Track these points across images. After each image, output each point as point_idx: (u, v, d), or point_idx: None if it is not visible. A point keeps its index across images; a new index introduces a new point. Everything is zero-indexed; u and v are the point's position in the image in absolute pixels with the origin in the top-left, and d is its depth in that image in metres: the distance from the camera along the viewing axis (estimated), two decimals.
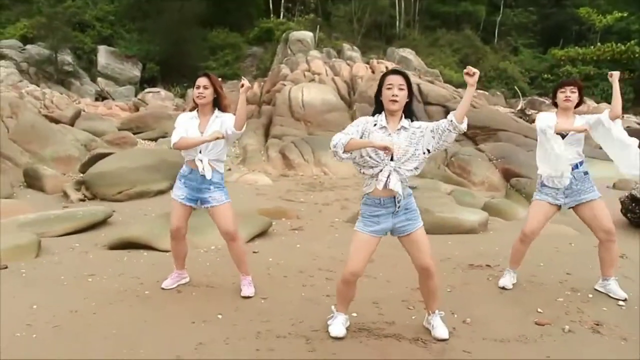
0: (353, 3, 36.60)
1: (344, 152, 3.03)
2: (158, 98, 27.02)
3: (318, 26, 29.97)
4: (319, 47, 25.06)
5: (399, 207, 3.19)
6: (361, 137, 3.13)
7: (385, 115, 3.20)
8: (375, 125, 3.18)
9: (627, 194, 6.68)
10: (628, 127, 17.79)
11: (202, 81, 3.98)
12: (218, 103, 4.07)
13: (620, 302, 4.09)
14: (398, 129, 3.15)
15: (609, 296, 4.18)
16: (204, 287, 4.33)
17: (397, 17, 39.92)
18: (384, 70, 19.14)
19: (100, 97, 30.42)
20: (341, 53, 24.57)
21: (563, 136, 4.14)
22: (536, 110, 27.48)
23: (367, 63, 20.99)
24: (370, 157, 3.12)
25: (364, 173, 3.23)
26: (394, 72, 3.21)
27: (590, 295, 4.24)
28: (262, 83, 22.05)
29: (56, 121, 16.42)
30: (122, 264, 4.95)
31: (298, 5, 38.77)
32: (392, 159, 3.10)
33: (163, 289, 4.21)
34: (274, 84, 19.30)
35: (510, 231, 6.50)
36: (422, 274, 3.34)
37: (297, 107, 16.10)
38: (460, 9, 40.92)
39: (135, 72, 33.46)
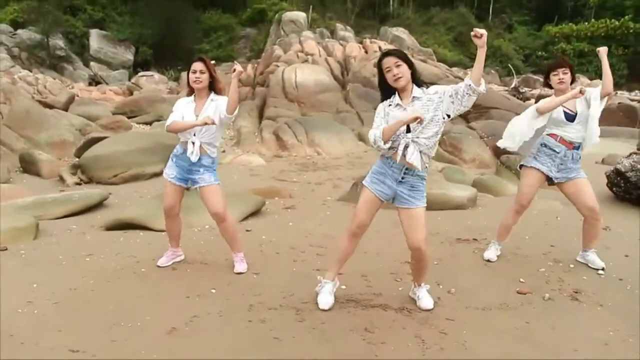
0: None
1: (385, 142, 3.20)
2: (152, 82, 26.98)
3: (311, 6, 29.79)
4: (312, 28, 24.97)
5: (403, 178, 3.30)
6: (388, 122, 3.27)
7: (398, 94, 3.31)
8: (390, 105, 3.32)
9: (612, 169, 6.81)
10: (620, 103, 17.88)
11: (197, 66, 4.07)
12: (213, 87, 4.17)
13: (600, 272, 4.25)
14: (411, 101, 3.24)
15: (589, 266, 4.34)
16: (198, 264, 4.47)
17: None
18: (377, 50, 19.20)
19: (94, 81, 30.35)
20: (334, 33, 24.51)
21: (573, 118, 4.21)
22: (530, 88, 27.55)
23: (361, 43, 20.97)
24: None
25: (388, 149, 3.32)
26: (385, 54, 3.31)
27: (572, 266, 4.41)
28: (256, 65, 22.04)
29: (50, 106, 16.39)
30: (118, 244, 5.07)
31: None
32: (408, 131, 3.20)
33: (159, 266, 4.34)
34: (267, 66, 19.29)
35: (498, 207, 6.64)
36: (414, 253, 3.47)
37: (290, 88, 16.13)
38: None
39: (129, 55, 33.35)
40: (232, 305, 3.61)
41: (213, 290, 3.86)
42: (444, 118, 3.22)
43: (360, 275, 4.12)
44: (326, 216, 6.19)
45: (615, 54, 34.17)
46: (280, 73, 17.04)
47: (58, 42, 30.57)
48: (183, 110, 4.16)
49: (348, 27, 26.05)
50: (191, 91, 4.21)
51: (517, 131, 4.33)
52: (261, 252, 4.80)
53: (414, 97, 3.26)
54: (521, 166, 4.52)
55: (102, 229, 5.71)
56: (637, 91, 32.85)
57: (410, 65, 3.28)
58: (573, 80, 4.31)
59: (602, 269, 4.27)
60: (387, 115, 3.30)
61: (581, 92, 4.10)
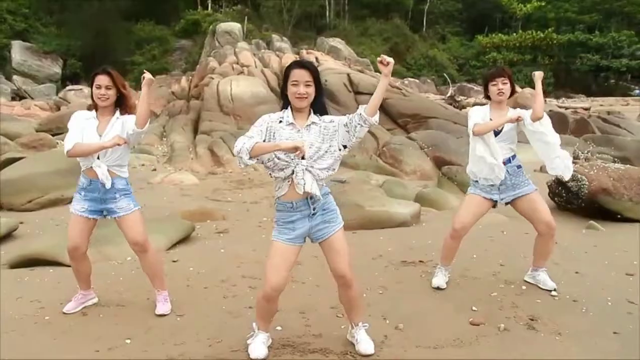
0: None
1: (250, 158, 2.71)
2: (81, 96, 25.55)
3: (246, 17, 29.33)
4: (247, 39, 24.47)
5: (314, 210, 2.91)
6: (266, 138, 2.83)
7: (292, 111, 2.89)
8: (281, 122, 2.88)
9: (553, 178, 6.72)
10: (550, 110, 18.41)
11: (102, 80, 3.52)
12: (122, 103, 3.64)
13: (553, 293, 4.01)
14: (308, 125, 2.86)
15: (540, 287, 4.10)
16: (114, 306, 3.90)
17: (327, 7, 39.88)
18: (314, 61, 18.96)
19: (18, 96, 28.54)
20: (270, 44, 24.11)
21: (497, 133, 3.95)
22: (465, 96, 28.17)
23: (297, 54, 20.69)
24: (279, 158, 2.80)
25: (275, 177, 2.91)
26: (299, 65, 2.87)
27: (524, 287, 4.15)
28: (191, 77, 21.32)
29: None
30: (21, 285, 4.41)
31: None
32: (303, 158, 2.80)
33: (65, 313, 3.75)
34: (201, 78, 18.67)
35: (442, 221, 6.39)
36: (340, 282, 3.06)
37: (225, 101, 15.60)
38: None
39: (56, 68, 31.71)
40: (150, 358, 3.08)
41: (128, 341, 3.31)
42: (339, 149, 2.87)
43: (298, 312, 3.68)
44: (261, 240, 5.70)
45: (542, 63, 35.62)
46: (215, 85, 16.48)
47: None
48: (83, 127, 3.60)
49: (284, 38, 25.72)
50: (93, 105, 3.67)
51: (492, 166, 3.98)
52: (188, 287, 4.27)
53: (312, 122, 2.88)
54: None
55: (5, 267, 5.01)
56: (564, 98, 34.34)
57: (319, 89, 2.89)
58: (513, 92, 4.03)
59: (554, 290, 4.03)
60: (271, 131, 2.86)
61: (518, 119, 3.89)
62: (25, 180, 7.82)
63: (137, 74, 31.69)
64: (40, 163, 8.55)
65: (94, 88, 3.56)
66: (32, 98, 27.50)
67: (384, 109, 14.36)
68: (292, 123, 2.85)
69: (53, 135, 15.99)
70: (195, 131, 14.86)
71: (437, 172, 9.48)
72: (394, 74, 31.31)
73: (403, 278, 4.41)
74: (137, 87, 23.42)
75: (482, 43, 39.73)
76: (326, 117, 2.91)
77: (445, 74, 34.06)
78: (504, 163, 3.95)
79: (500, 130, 3.95)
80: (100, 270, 4.47)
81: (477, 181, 4.07)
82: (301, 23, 38.20)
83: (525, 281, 4.23)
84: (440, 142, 10.56)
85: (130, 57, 32.90)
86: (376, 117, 2.80)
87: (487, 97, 4.08)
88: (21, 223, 6.59)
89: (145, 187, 8.94)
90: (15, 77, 29.73)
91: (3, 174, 8.24)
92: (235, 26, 24.98)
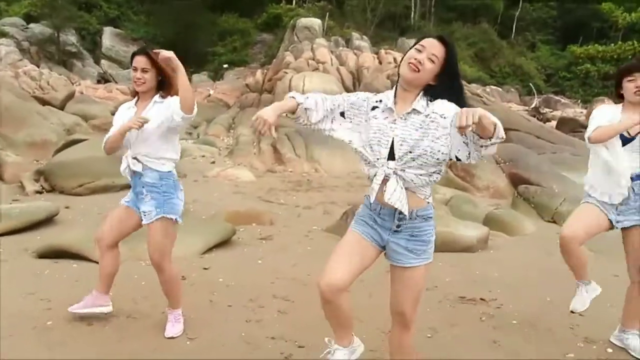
0: None
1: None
2: None
3: (327, 13, 28.93)
4: (327, 35, 24.03)
5: (399, 227, 2.27)
6: (346, 117, 2.33)
7: (396, 90, 2.25)
8: (375, 108, 2.26)
9: None
10: None
11: (139, 61, 3.06)
12: (164, 86, 3.16)
13: None
14: (407, 112, 2.18)
15: (630, 353, 3.28)
16: (123, 317, 3.48)
17: (412, 8, 38.84)
18: (392, 61, 18.19)
19: (103, 79, 29.67)
20: (350, 42, 23.54)
21: (626, 140, 3.06)
22: (551, 109, 26.39)
23: (376, 53, 20.01)
24: (367, 149, 2.23)
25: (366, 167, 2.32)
26: (440, 37, 2.20)
27: (610, 350, 3.34)
28: (266, 71, 21.18)
29: (47, 103, 15.64)
30: (38, 279, 4.11)
31: None
32: (392, 157, 2.18)
33: (71, 312, 3.34)
34: (276, 72, 18.44)
35: (514, 250, 5.60)
36: (396, 320, 2.40)
37: None
38: (478, 2, 39.84)
39: None
40: None
41: None
42: (450, 159, 2.15)
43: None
44: (305, 253, 5.17)
45: None
46: (288, 80, 16.17)
47: (70, 37, 29.99)
48: (123, 119, 3.19)
49: (364, 37, 25.02)
50: (136, 93, 3.25)
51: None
52: (210, 304, 3.79)
53: (414, 109, 2.19)
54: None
55: (33, 256, 4.76)
56: None
57: (449, 74, 2.20)
58: None
59: None
60: (368, 117, 2.27)
61: None
62: (79, 163, 7.70)
63: (216, 65, 32.21)
64: (99, 147, 8.43)
65: (132, 71, 3.14)
66: (116, 82, 28.48)
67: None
68: (389, 108, 2.22)
69: None
70: None
71: (513, 190, 8.55)
72: (477, 80, 29.98)
73: (459, 319, 3.71)
74: (216, 77, 23.68)
75: (576, 53, 37.11)
76: (439, 106, 2.16)
77: (531, 84, 32.15)
78: (631, 179, 3.10)
79: (632, 138, 3.05)
80: (125, 270, 4.05)
81: (590, 196, 3.22)
82: (384, 23, 37.36)
83: (611, 342, 3.42)
84: (520, 157, 9.56)
85: (212, 47, 33.45)
86: (500, 132, 1.91)
87: (620, 96, 3.17)
88: (66, 208, 6.45)
89: (200, 180, 8.64)
90: (103, 61, 30.90)
91: (60, 155, 8.21)
92: (315, 22, 24.61)
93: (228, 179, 8.74)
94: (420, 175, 2.17)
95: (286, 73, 17.27)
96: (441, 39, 2.18)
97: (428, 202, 2.26)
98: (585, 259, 3.31)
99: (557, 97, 30.52)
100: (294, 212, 6.98)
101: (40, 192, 7.44)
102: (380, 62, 17.98)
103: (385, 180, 2.18)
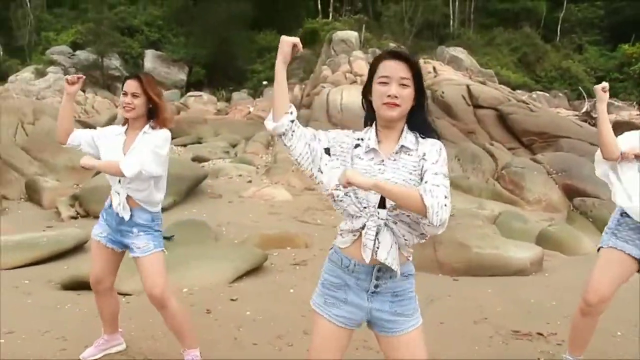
0: (404, 2, 35.11)
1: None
2: (200, 102, 26.54)
3: (364, 25, 28.64)
4: (364, 48, 23.74)
5: (376, 288, 1.93)
6: (332, 154, 1.94)
7: (377, 129, 1.93)
8: (358, 146, 1.92)
9: None
10: None
11: (130, 86, 2.85)
12: (154, 115, 2.94)
13: None
14: (395, 152, 1.88)
15: None
16: (140, 358, 3.20)
17: (451, 16, 38.18)
18: (431, 71, 17.73)
19: None
20: None
21: None
22: None
23: None
24: (350, 196, 1.87)
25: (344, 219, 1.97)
26: (393, 54, 1.90)
27: None
28: (304, 86, 21.07)
29: (89, 126, 15.89)
30: (57, 314, 3.90)
31: (346, 5, 37.71)
32: (383, 206, 1.83)
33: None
34: (314, 87, 18.29)
35: (572, 273, 5.07)
36: None
37: (334, 111, 15.00)
38: (519, 6, 38.75)
39: (182, 75, 33.32)
40: None
41: None
42: None
43: None
44: None
45: None
46: (325, 95, 15.98)
47: (113, 62, 30.82)
48: (108, 145, 2.95)
49: (402, 47, 24.61)
50: (127, 120, 3.01)
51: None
52: (234, 341, 3.47)
53: (402, 146, 1.88)
54: (599, 249, 2.95)
55: (57, 287, 4.58)
56: None
57: (419, 94, 1.90)
58: None
59: None
60: (350, 155, 1.92)
61: None
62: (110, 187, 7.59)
63: (255, 82, 32.43)
64: None
65: (121, 96, 2.91)
66: None
67: (506, 125, 12.82)
68: (372, 149, 1.89)
69: None
70: None
71: (567, 203, 7.96)
72: (522, 86, 29.00)
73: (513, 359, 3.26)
74: (255, 94, 23.82)
75: (627, 53, 35.46)
76: (428, 143, 1.89)
77: (580, 88, 30.84)
78: None
79: None
80: (141, 303, 3.82)
81: (619, 226, 2.80)
82: (423, 32, 36.80)
83: None
84: (573, 166, 8.93)
85: (251, 65, 33.74)
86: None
87: None
88: None
89: (235, 201, 8.41)
90: None
91: (95, 179, 8.15)
92: (352, 34, 24.33)
93: (264, 198, 8.48)
94: (413, 231, 1.86)
95: (323, 87, 17.07)
96: (395, 55, 1.88)
97: (409, 259, 1.94)
98: (589, 332, 2.95)
99: (609, 100, 29.15)
100: (330, 233, 6.61)
101: (75, 218, 7.37)
102: None
103: (376, 234, 1.83)
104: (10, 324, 3.65)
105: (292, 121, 1.91)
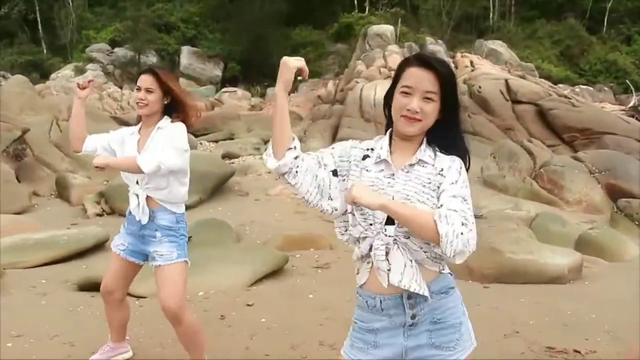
0: None
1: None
2: (234, 98, 26.65)
3: (400, 19, 28.15)
4: (400, 42, 23.30)
5: (414, 318, 1.67)
6: (339, 175, 1.72)
7: (391, 139, 1.71)
8: (367, 157, 1.71)
9: None
10: None
11: (144, 81, 2.71)
12: (173, 109, 2.77)
13: None
14: (410, 165, 1.65)
15: None
16: None
17: (491, 9, 37.24)
18: (469, 65, 17.23)
19: None
20: (424, 48, 22.69)
21: None
22: None
23: (452, 57, 19.11)
24: (354, 215, 1.67)
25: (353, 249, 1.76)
26: (421, 61, 1.64)
27: None
28: (338, 81, 20.83)
29: (125, 123, 16.10)
30: (69, 316, 3.81)
31: None
32: (391, 222, 1.60)
33: None
34: (348, 82, 18.04)
35: (614, 281, 4.71)
36: None
37: (367, 107, 14.75)
38: None
39: (217, 71, 33.56)
40: None
41: None
42: None
43: None
44: None
45: None
46: (359, 90, 15.71)
47: (150, 58, 31.27)
48: (123, 145, 2.81)
49: (439, 41, 24.05)
50: (140, 117, 2.86)
51: None
52: (246, 351, 3.31)
53: (420, 160, 1.65)
54: None
55: (73, 288, 4.51)
56: None
57: (449, 107, 1.66)
58: None
59: None
60: (359, 168, 1.70)
61: None
62: None
63: None
64: None
65: (135, 91, 2.77)
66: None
67: (546, 121, 12.28)
68: (383, 160, 1.68)
69: (197, 136, 16.48)
70: (334, 137, 14.17)
71: (611, 205, 7.49)
72: (564, 80, 28.00)
73: None
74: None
75: None
76: (445, 158, 1.67)
77: (627, 81, 29.59)
78: None
79: None
80: (154, 307, 3.67)
81: None
82: (461, 25, 36.03)
83: None
84: (618, 165, 8.42)
85: None
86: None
87: None
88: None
89: (261, 200, 8.27)
90: (180, 79, 31.91)
91: (121, 177, 8.12)
92: (387, 29, 23.88)
93: (291, 196, 8.29)
94: (429, 244, 1.61)
95: (357, 82, 16.80)
96: (423, 62, 1.63)
97: (442, 272, 1.68)
98: None
99: None
100: None
101: (100, 215, 7.36)
102: (456, 67, 17.06)
103: (386, 253, 1.61)
104: (21, 326, 3.58)
105: (296, 157, 1.67)
